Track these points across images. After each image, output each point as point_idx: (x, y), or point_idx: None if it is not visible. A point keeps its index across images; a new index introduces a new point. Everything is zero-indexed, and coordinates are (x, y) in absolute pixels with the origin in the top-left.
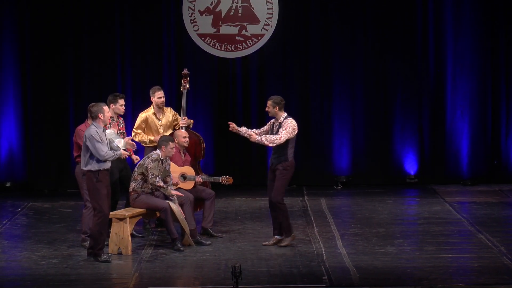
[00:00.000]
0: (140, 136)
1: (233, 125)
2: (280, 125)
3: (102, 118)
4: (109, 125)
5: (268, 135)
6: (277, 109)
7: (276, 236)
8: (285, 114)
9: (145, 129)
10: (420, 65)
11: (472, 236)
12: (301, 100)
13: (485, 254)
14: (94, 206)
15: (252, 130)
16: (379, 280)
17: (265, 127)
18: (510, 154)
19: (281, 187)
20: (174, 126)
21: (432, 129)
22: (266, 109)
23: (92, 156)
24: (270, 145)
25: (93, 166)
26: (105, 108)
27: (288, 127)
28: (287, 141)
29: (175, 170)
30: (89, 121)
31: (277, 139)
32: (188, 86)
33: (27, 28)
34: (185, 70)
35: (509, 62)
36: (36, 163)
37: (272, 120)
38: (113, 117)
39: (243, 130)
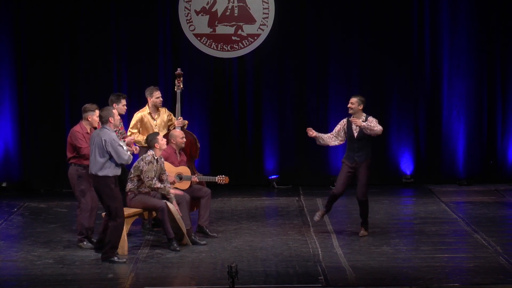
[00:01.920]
0: (136, 136)
1: (311, 132)
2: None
3: (112, 121)
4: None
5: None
6: (361, 107)
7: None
8: (365, 114)
9: (140, 129)
10: (416, 65)
11: (468, 236)
12: (297, 100)
13: (481, 254)
14: (114, 212)
15: (322, 134)
16: (375, 280)
17: (336, 128)
18: (505, 154)
19: (367, 184)
20: (168, 126)
21: (428, 129)
22: (350, 105)
23: (112, 160)
24: (376, 129)
25: (111, 171)
26: (115, 111)
27: (375, 121)
28: (371, 139)
29: (171, 171)
30: (83, 122)
31: (378, 128)
32: (182, 86)
33: (22, 28)
34: (179, 70)
35: (505, 62)
36: (32, 163)
37: (345, 120)
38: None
39: (319, 136)
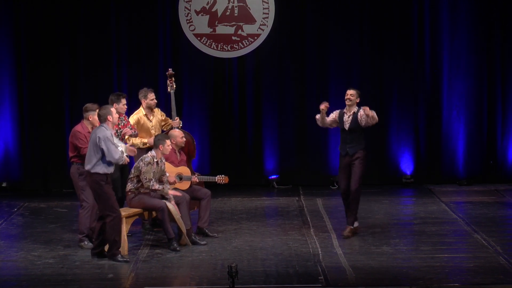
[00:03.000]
0: (133, 138)
1: (325, 106)
2: (355, 115)
3: (111, 120)
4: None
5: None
6: (358, 100)
7: (351, 226)
8: (357, 107)
9: (137, 131)
10: (416, 65)
11: (468, 236)
12: (297, 100)
13: (481, 254)
14: (104, 210)
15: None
16: (375, 280)
17: (332, 116)
18: (505, 154)
19: (361, 174)
20: (162, 126)
21: (428, 129)
22: (349, 96)
23: (103, 159)
24: (376, 117)
25: (102, 169)
26: (113, 109)
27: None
28: (364, 131)
29: (171, 171)
30: (85, 121)
31: (376, 117)
32: (174, 86)
33: (23, 28)
34: (170, 70)
35: (504, 62)
36: (32, 163)
37: (337, 112)
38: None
39: (325, 116)
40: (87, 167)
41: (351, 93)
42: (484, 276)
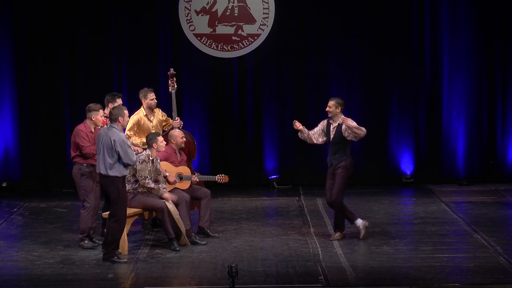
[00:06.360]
0: (133, 138)
1: (298, 124)
2: (339, 126)
3: (121, 121)
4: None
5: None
6: (339, 109)
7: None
8: (343, 116)
9: (137, 131)
10: (416, 65)
11: (468, 235)
12: (297, 100)
13: (481, 254)
14: (117, 214)
15: (307, 130)
16: (375, 280)
17: (319, 127)
18: (505, 154)
19: (341, 186)
20: (163, 126)
21: (428, 129)
22: (328, 109)
23: (120, 161)
24: (360, 132)
25: (120, 172)
26: (126, 112)
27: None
28: (350, 143)
29: (172, 170)
30: (88, 121)
31: (363, 130)
32: (175, 86)
33: (23, 28)
34: (171, 70)
35: (504, 62)
36: (32, 163)
37: (325, 121)
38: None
39: (306, 130)
40: (103, 170)
41: (329, 104)
42: (484, 276)
